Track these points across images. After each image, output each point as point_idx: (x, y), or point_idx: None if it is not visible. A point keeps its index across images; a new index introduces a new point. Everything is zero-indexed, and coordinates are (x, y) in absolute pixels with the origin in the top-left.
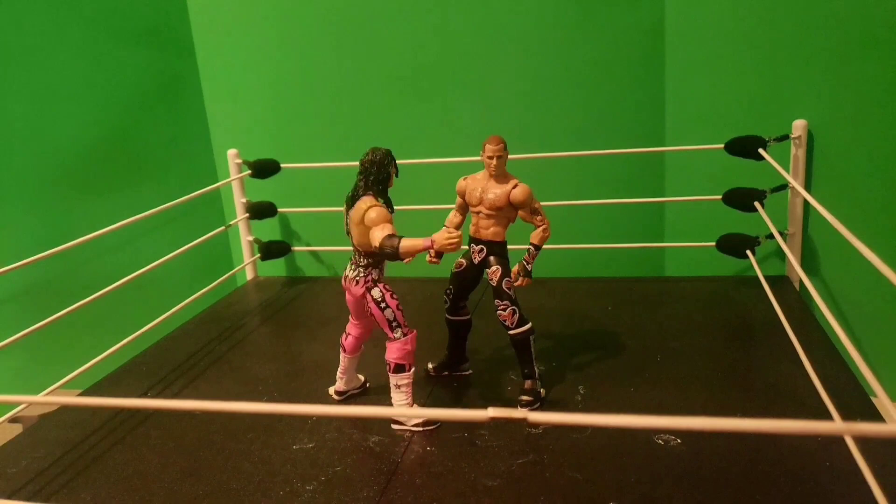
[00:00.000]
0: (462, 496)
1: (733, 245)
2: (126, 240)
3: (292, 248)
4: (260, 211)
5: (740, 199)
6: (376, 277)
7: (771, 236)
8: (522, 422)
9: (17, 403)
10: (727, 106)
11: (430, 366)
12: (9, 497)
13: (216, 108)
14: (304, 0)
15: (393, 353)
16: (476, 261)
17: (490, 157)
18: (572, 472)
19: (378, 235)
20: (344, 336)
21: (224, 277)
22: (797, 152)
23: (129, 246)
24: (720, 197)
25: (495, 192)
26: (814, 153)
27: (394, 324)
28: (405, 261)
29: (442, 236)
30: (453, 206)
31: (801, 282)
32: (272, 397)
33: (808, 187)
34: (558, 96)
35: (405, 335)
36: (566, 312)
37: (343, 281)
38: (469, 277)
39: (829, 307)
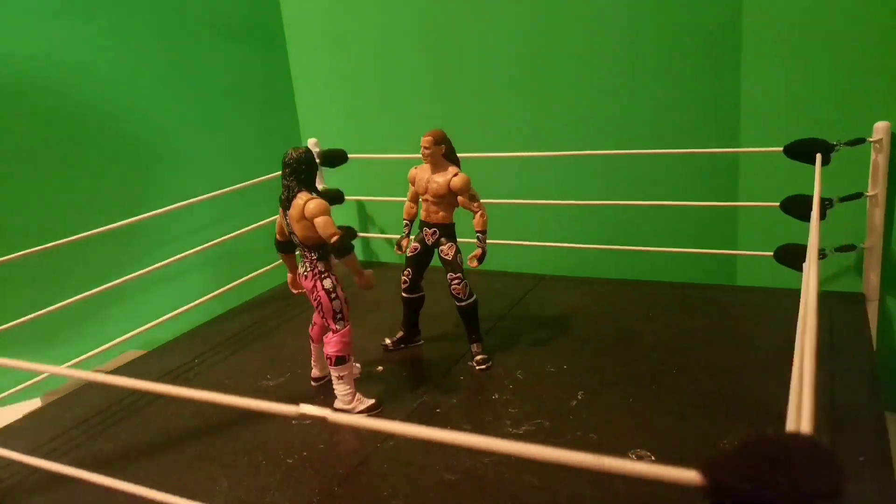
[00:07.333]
0: (421, 488)
1: (792, 256)
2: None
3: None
4: (331, 198)
5: (800, 207)
6: (323, 269)
7: (842, 249)
8: (322, 421)
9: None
10: (805, 105)
11: (387, 341)
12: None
13: (302, 100)
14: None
15: (332, 346)
16: (429, 242)
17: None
18: (531, 476)
19: (328, 232)
20: (310, 326)
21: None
22: (877, 157)
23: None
24: (777, 204)
25: (437, 181)
26: None
27: (338, 315)
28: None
29: (369, 280)
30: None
31: (878, 300)
32: (296, 374)
33: (891, 196)
34: (630, 92)
35: (344, 327)
36: (599, 315)
37: (298, 279)
38: (424, 258)
39: None
